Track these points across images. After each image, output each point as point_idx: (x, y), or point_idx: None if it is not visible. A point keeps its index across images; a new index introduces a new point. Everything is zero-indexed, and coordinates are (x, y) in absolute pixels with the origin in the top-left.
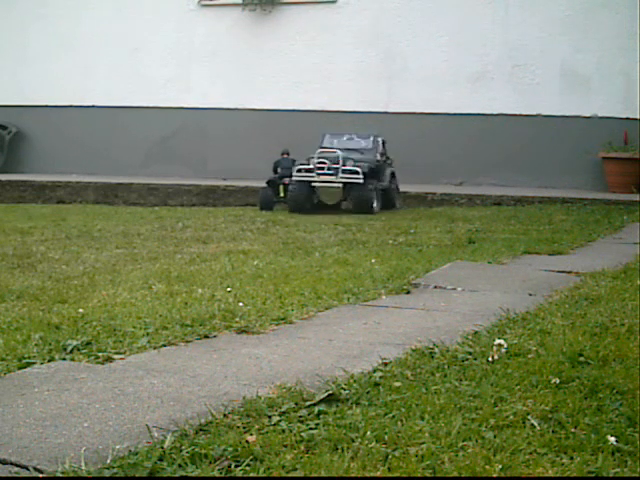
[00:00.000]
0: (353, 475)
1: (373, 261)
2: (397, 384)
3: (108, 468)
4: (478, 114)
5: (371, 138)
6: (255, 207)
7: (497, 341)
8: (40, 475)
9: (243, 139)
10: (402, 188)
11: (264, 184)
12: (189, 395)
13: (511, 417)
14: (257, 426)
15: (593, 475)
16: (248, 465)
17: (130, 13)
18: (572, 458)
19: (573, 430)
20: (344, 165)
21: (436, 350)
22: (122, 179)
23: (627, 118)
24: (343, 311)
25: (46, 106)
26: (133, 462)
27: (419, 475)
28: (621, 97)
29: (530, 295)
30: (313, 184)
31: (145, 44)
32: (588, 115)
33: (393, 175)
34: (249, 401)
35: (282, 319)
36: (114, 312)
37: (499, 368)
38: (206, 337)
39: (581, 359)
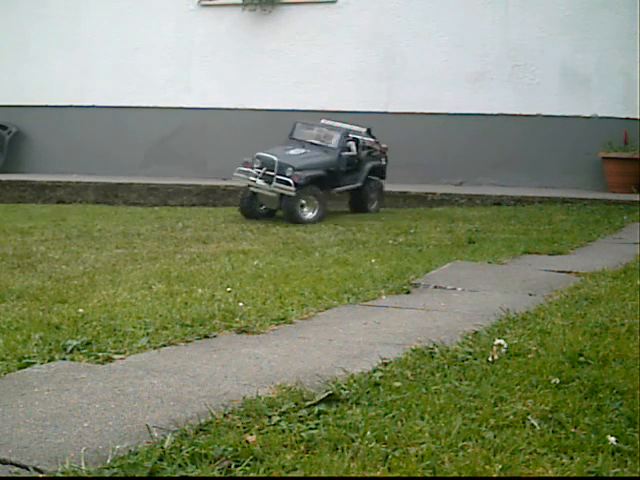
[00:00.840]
0: (353, 475)
1: (373, 261)
2: (397, 384)
3: (108, 468)
4: (478, 114)
5: (338, 135)
6: None
7: (497, 341)
8: (40, 475)
9: (243, 139)
10: (402, 188)
11: None
12: (189, 395)
13: (511, 417)
14: (257, 426)
15: (593, 475)
16: (248, 465)
17: (130, 13)
18: (572, 458)
19: (573, 430)
20: (281, 173)
21: (436, 350)
22: (122, 179)
23: (627, 118)
24: (343, 311)
25: (46, 106)
26: (133, 462)
27: (419, 475)
28: (621, 97)
29: (530, 295)
30: (250, 187)
31: (145, 44)
32: (588, 115)
33: (375, 171)
34: (249, 401)
35: (282, 319)
36: (114, 312)
37: (499, 368)
38: (206, 337)
39: (581, 359)
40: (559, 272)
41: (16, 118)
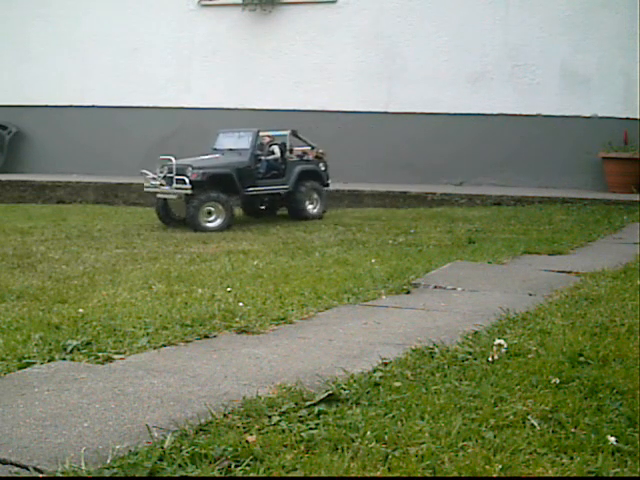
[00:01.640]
0: (353, 475)
1: (373, 261)
2: (397, 384)
3: (108, 468)
4: (478, 114)
5: (250, 136)
6: None
7: (497, 341)
8: (40, 475)
9: None
10: (402, 188)
11: None
12: (189, 395)
13: (511, 417)
14: (257, 426)
15: (593, 475)
16: (248, 465)
17: (130, 13)
18: (572, 458)
19: (573, 430)
20: (181, 174)
21: (436, 350)
22: (122, 179)
23: (627, 118)
24: (343, 311)
25: (46, 106)
26: (133, 462)
27: (419, 475)
28: (621, 97)
29: (530, 295)
30: (157, 195)
31: (145, 44)
32: (588, 115)
33: (309, 175)
34: (249, 401)
35: (282, 319)
36: (114, 312)
37: (499, 368)
38: (206, 337)
39: (581, 359)
40: (559, 272)
41: (16, 118)
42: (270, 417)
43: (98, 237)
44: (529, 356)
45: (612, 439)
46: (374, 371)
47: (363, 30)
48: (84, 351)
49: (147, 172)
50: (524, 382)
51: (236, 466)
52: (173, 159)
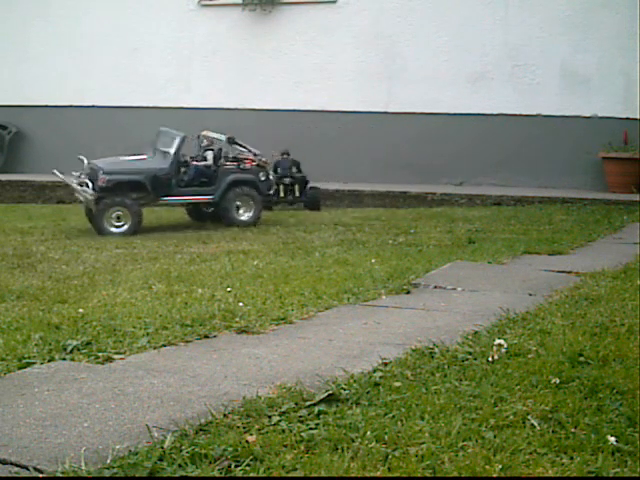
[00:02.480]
0: (353, 475)
1: (373, 261)
2: (397, 384)
3: (108, 468)
4: (478, 114)
5: (177, 140)
6: None
7: (497, 341)
8: (40, 475)
9: (243, 139)
10: (402, 188)
11: None
12: (189, 395)
13: (511, 417)
14: (257, 426)
15: (593, 475)
16: (248, 465)
17: (130, 13)
18: (572, 458)
19: (573, 430)
20: (93, 177)
21: (436, 350)
22: None
23: (627, 118)
24: (343, 311)
25: (46, 106)
26: (133, 462)
27: (419, 475)
28: (621, 97)
29: (530, 295)
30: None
31: (145, 44)
32: (588, 115)
33: (244, 184)
34: (249, 401)
35: (282, 319)
36: (114, 312)
37: (499, 368)
38: (206, 337)
39: (581, 359)
40: (559, 272)
41: (16, 118)
42: (270, 417)
43: (98, 237)
44: (529, 356)
45: (612, 439)
46: (374, 371)
47: (363, 30)
48: (84, 351)
49: (57, 172)
50: (524, 382)
51: (236, 466)
52: (85, 160)
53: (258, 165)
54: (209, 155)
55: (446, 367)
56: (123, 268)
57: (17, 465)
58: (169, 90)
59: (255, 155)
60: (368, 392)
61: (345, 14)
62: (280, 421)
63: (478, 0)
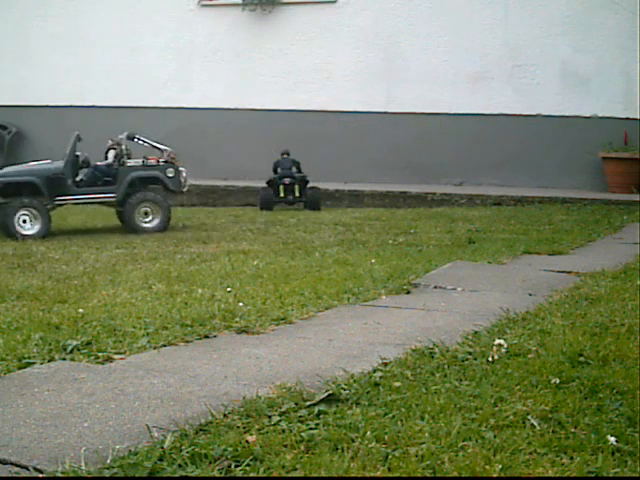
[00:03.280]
0: (353, 475)
1: (373, 261)
2: (397, 384)
3: (108, 468)
4: (478, 114)
5: (71, 139)
6: (255, 207)
7: (497, 341)
8: (40, 475)
9: (243, 139)
10: (402, 188)
11: (264, 184)
12: (189, 395)
13: (511, 417)
14: (257, 426)
15: (593, 475)
16: (248, 465)
17: (130, 13)
18: (572, 458)
19: (573, 430)
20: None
21: (436, 350)
22: None
23: (627, 118)
24: (343, 311)
25: (46, 106)
26: (133, 462)
27: (419, 475)
28: (621, 97)
29: (530, 295)
30: None
31: (145, 44)
32: (588, 115)
33: (148, 181)
34: (249, 401)
35: (282, 319)
36: (114, 312)
37: (499, 368)
38: (206, 337)
39: (581, 359)
40: (559, 272)
41: (16, 118)
42: (270, 417)
43: (98, 237)
44: (529, 356)
45: (612, 439)
46: (374, 371)
47: (363, 30)
48: (84, 351)
49: None
50: (524, 382)
51: (236, 466)
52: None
53: (166, 161)
54: (110, 154)
55: (446, 367)
56: (123, 268)
57: (17, 465)
58: (169, 90)
59: (162, 151)
60: (368, 392)
61: (345, 14)
62: (280, 421)
63: (478, 0)
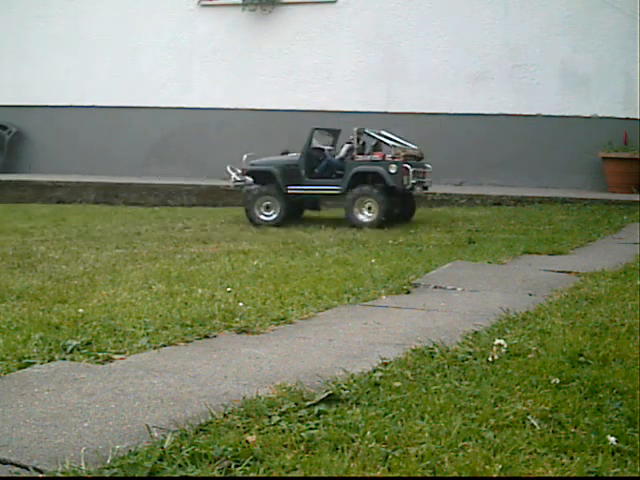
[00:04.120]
0: (353, 475)
1: (373, 261)
2: (397, 384)
3: (108, 468)
4: (478, 114)
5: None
6: None
7: (497, 341)
8: (40, 475)
9: (243, 139)
10: None
11: None
12: (189, 395)
13: (511, 417)
14: (257, 426)
15: (593, 475)
16: (248, 465)
17: (130, 13)
18: (572, 458)
19: (573, 430)
20: None
21: (436, 350)
22: (122, 179)
23: (627, 118)
24: (343, 311)
25: (46, 106)
26: (133, 462)
27: (419, 475)
28: (621, 97)
29: (530, 295)
30: None
31: (145, 44)
32: (588, 115)
33: None
34: (249, 401)
35: (282, 319)
36: (114, 312)
37: (499, 368)
38: (206, 337)
39: (581, 359)
40: (559, 272)
41: (16, 118)
42: (270, 417)
43: (98, 237)
44: (529, 356)
45: (612, 439)
46: (374, 371)
47: (363, 30)
48: (84, 351)
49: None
50: (524, 382)
51: (236, 466)
52: None
53: (393, 157)
54: (344, 148)
55: (446, 367)
56: (123, 268)
57: (17, 465)
58: (169, 90)
59: (395, 147)
60: (368, 392)
61: (345, 14)
62: (280, 421)
63: (478, 0)
